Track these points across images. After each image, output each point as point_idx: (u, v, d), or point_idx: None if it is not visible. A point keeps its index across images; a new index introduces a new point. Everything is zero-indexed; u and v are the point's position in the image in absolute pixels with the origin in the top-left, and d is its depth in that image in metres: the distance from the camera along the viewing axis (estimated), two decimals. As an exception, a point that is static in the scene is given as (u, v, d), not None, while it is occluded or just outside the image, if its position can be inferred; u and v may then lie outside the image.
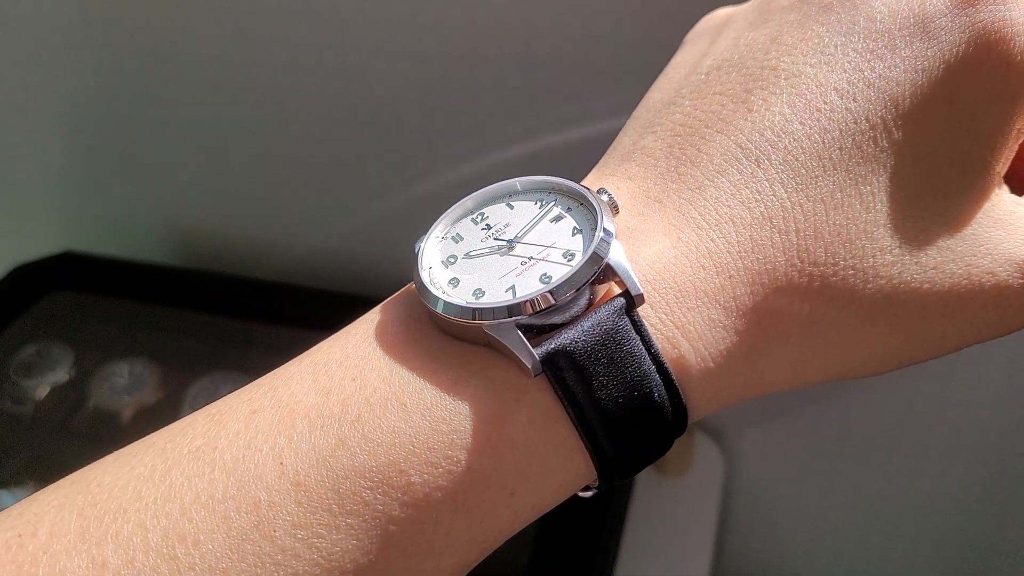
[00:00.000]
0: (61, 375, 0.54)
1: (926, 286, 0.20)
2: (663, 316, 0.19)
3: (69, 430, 0.52)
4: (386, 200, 0.57)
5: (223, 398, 0.21)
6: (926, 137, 0.20)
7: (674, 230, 0.20)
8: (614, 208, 0.20)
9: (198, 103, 0.56)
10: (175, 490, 0.18)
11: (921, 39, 0.20)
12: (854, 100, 0.20)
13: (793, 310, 0.20)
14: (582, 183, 0.23)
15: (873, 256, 0.19)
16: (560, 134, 0.49)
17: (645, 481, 0.57)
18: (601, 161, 0.24)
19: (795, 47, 0.21)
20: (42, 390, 0.54)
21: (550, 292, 0.19)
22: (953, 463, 0.57)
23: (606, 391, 0.19)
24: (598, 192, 0.20)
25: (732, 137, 0.20)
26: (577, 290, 0.19)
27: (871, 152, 0.20)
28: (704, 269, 0.19)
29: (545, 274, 0.19)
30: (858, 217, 0.19)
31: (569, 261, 0.19)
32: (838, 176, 0.19)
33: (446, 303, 0.19)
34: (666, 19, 0.44)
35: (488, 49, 0.47)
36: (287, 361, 0.21)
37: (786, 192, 0.19)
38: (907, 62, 0.20)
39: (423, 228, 0.22)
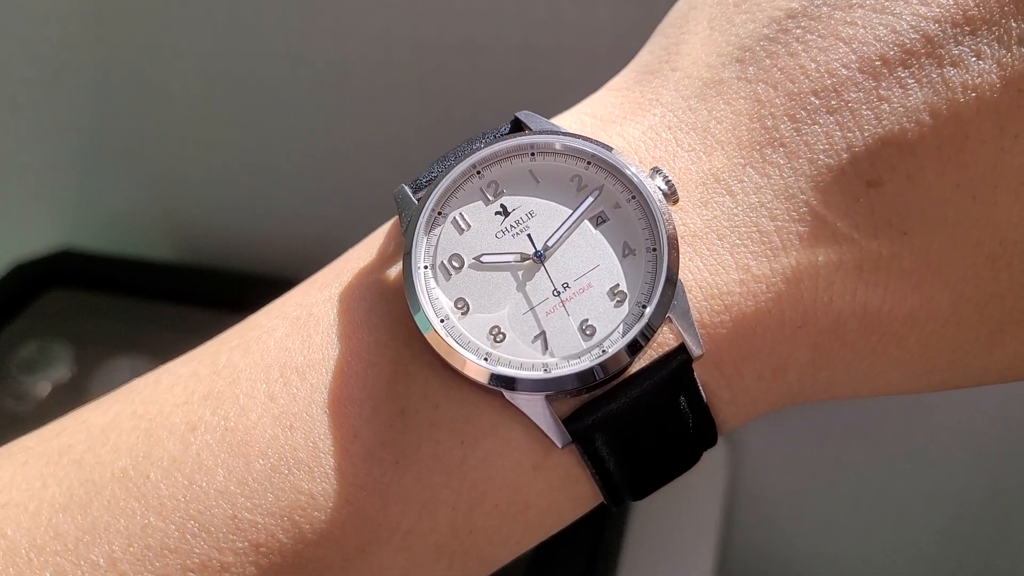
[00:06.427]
0: (62, 372, 0.54)
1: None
2: (713, 370, 0.15)
3: (70, 427, 0.52)
4: (386, 192, 0.57)
5: (141, 386, 0.18)
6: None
7: (745, 252, 0.15)
8: (672, 197, 0.15)
9: (196, 98, 0.55)
10: (99, 531, 0.14)
11: None
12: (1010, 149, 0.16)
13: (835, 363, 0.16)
14: (619, 89, 0.17)
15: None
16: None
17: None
18: (654, 62, 0.17)
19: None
20: (43, 387, 0.53)
21: (599, 367, 0.14)
22: (958, 456, 0.57)
23: (642, 453, 0.15)
24: (652, 172, 0.15)
25: (846, 134, 0.14)
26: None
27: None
28: (770, 316, 0.15)
29: (586, 322, 0.14)
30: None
31: (618, 305, 0.14)
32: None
33: (451, 349, 0.14)
34: (667, 7, 0.43)
35: (486, 38, 0.47)
36: None
37: (890, 241, 0.15)
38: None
39: (403, 172, 0.17)
